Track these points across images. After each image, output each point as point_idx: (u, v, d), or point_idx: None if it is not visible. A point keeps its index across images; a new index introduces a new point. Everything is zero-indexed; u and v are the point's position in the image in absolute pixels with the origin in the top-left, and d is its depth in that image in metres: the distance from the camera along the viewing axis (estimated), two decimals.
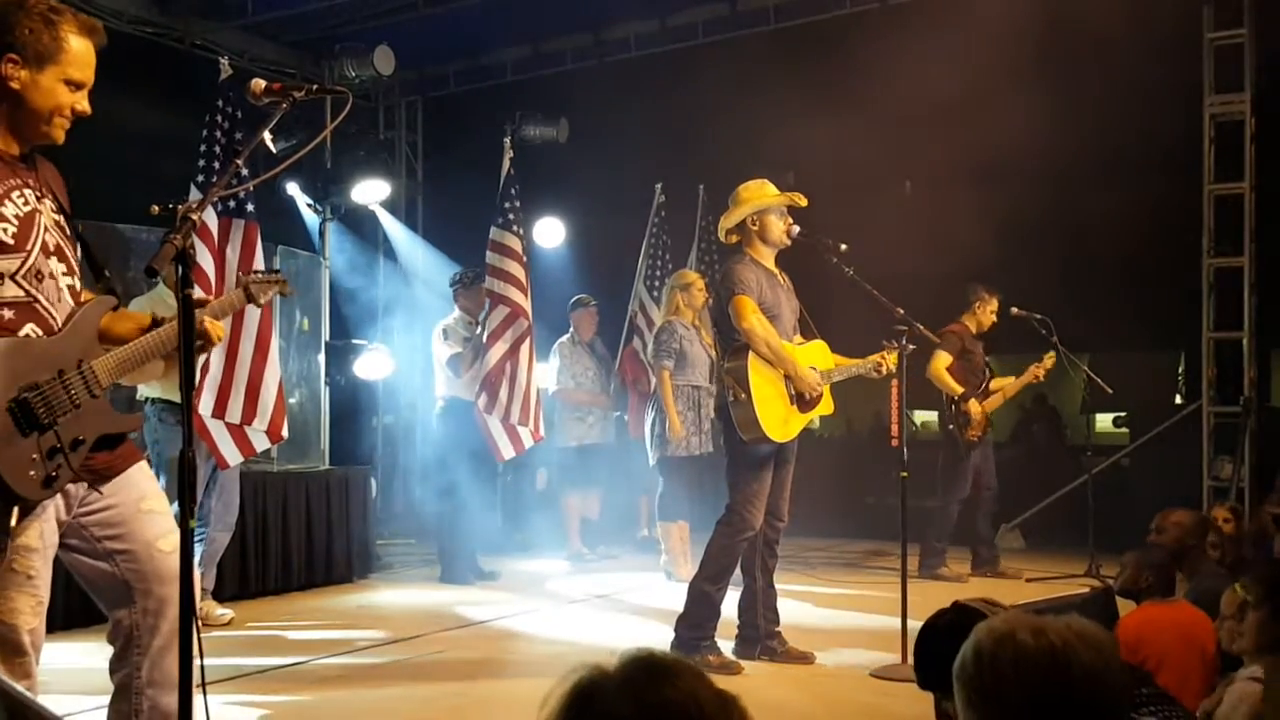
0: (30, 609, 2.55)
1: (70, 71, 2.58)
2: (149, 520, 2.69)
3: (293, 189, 9.27)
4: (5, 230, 2.52)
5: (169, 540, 2.68)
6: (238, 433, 5.92)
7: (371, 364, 9.08)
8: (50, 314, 2.59)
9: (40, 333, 2.56)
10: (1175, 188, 8.54)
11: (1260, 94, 8.17)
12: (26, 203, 2.59)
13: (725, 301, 4.99)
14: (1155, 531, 4.39)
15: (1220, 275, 8.36)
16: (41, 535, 2.56)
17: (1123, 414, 10.33)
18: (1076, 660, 1.60)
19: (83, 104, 2.62)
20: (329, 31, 9.51)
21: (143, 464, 2.78)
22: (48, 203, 2.66)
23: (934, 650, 2.12)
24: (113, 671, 2.71)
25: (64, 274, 2.64)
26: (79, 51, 2.59)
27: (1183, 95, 8.30)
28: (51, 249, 2.62)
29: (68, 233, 2.70)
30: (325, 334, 8.63)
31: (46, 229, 2.62)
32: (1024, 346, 7.97)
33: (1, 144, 2.60)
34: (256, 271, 3.08)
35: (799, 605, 6.35)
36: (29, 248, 2.56)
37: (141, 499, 2.71)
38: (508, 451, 7.45)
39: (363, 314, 10.39)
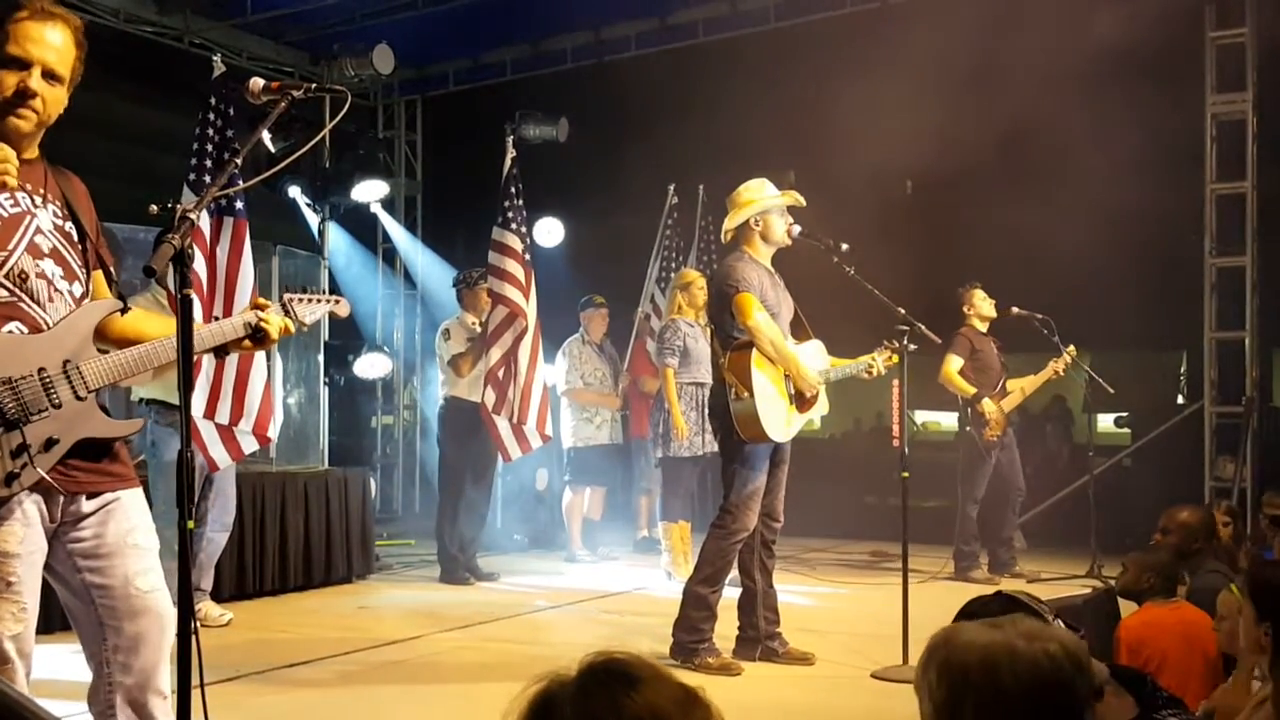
0: (11, 615, 2.45)
1: (8, 48, 2.47)
2: (133, 556, 2.59)
3: (293, 189, 9.26)
4: None
5: (147, 579, 2.59)
6: (227, 434, 5.87)
7: (370, 364, 9.06)
8: (39, 314, 2.52)
9: (26, 331, 2.49)
10: (1177, 187, 8.52)
11: (1262, 93, 8.17)
12: (16, 205, 2.52)
13: (727, 299, 4.94)
14: (1161, 532, 4.35)
15: (1222, 275, 8.36)
16: (22, 541, 2.46)
17: (1124, 414, 10.30)
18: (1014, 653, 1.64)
19: (28, 82, 2.47)
20: (328, 30, 9.50)
21: (138, 493, 2.67)
22: (51, 209, 2.59)
23: None
24: (90, 704, 2.63)
25: (61, 278, 2.56)
26: (16, 29, 2.48)
27: (1184, 94, 8.28)
28: (45, 251, 2.54)
29: (75, 241, 2.62)
30: (324, 334, 8.61)
31: (39, 231, 2.54)
32: (1029, 346, 7.95)
33: None
34: (300, 289, 2.89)
35: (799, 605, 6.33)
36: (11, 247, 2.49)
37: (131, 532, 2.61)
38: (515, 452, 7.38)
39: (362, 313, 10.38)
